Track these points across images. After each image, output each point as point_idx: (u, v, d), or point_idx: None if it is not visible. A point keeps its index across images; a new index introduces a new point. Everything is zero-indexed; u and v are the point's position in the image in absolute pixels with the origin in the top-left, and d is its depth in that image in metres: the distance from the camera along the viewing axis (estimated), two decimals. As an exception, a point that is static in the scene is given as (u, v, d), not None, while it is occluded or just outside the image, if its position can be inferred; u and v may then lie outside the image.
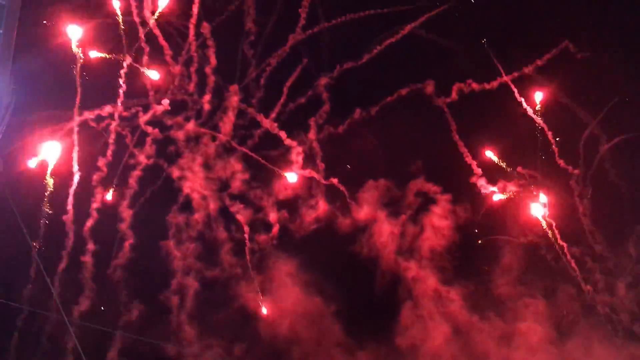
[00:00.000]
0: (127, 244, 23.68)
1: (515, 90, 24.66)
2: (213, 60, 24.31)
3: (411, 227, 24.87)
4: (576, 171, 25.15)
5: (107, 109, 23.74)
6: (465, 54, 24.70)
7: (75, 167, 23.30)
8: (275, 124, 24.38)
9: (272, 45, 24.64)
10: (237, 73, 24.70)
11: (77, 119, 23.30)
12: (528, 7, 24.43)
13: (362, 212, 24.69)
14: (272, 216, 24.43)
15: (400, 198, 24.93)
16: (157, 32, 24.02)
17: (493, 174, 25.00)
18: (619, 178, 25.12)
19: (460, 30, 24.65)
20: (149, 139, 24.06)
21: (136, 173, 23.97)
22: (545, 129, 25.06)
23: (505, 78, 24.58)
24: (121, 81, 23.50)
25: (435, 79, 24.83)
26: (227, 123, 24.34)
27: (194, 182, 24.08)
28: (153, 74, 23.88)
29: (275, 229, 24.49)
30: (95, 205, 23.54)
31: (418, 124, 24.53)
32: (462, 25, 24.77)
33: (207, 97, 24.40)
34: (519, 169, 25.22)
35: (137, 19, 23.71)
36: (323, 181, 24.59)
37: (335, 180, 24.59)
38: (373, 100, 24.91)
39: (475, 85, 24.80)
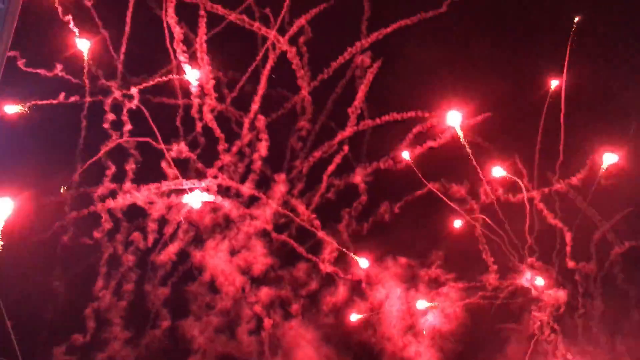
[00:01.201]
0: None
1: (544, 208, 26.37)
2: (264, 151, 25.82)
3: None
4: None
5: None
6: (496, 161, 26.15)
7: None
8: (314, 215, 26.14)
9: (319, 139, 26.08)
10: (285, 164, 26.23)
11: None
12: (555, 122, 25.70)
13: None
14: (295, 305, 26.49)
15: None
16: (214, 125, 25.36)
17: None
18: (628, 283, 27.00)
19: (492, 138, 25.98)
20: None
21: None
22: (564, 230, 26.97)
23: (534, 194, 26.17)
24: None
25: (463, 181, 26.57)
26: (269, 210, 26.07)
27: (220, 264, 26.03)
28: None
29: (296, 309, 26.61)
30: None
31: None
32: (494, 133, 26.05)
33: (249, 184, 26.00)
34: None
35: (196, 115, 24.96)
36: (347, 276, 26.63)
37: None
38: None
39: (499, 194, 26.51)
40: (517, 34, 25.09)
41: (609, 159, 25.39)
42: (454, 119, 24.57)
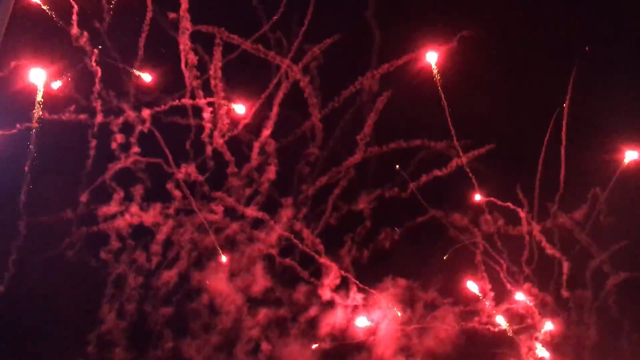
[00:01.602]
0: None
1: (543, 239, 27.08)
2: (272, 175, 26.22)
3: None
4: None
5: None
6: (498, 195, 26.78)
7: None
8: (318, 240, 26.58)
9: (327, 165, 26.55)
10: (293, 188, 26.65)
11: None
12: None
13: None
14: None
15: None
16: (224, 149, 25.72)
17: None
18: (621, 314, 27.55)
19: (496, 173, 26.62)
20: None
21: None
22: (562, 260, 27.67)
23: (535, 229, 26.90)
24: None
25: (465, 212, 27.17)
26: (273, 234, 26.43)
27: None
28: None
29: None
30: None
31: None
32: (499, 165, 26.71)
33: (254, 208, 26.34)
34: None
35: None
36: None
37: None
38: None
39: (501, 223, 27.16)
40: (525, 66, 25.63)
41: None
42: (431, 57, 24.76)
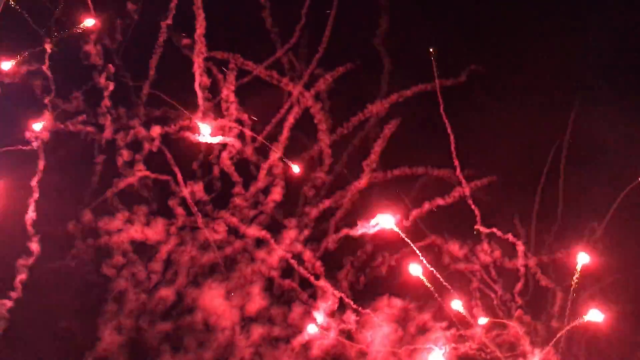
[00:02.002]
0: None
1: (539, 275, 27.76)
2: (278, 197, 26.65)
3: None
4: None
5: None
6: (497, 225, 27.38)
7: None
8: (319, 263, 26.90)
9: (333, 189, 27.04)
10: (297, 210, 27.03)
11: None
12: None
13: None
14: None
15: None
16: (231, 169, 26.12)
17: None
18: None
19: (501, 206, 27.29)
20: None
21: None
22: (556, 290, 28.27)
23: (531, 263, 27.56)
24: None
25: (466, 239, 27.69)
26: (274, 255, 26.73)
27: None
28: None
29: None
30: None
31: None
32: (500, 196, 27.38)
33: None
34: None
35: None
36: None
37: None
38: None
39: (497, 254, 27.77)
40: (528, 100, 26.43)
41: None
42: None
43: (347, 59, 26.20)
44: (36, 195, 24.61)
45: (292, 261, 26.41)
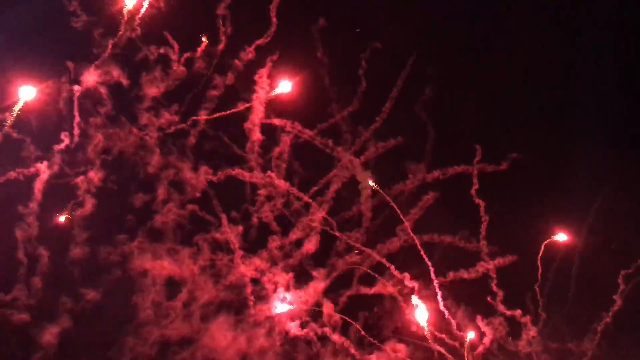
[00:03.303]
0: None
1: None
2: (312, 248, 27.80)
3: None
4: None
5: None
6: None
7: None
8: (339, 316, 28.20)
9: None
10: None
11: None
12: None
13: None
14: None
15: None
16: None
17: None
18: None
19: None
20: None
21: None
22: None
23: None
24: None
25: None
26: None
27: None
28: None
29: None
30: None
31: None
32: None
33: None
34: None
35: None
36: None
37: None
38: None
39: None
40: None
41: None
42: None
43: (398, 129, 27.00)
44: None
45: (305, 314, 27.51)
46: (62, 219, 25.26)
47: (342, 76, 27.00)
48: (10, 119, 24.43)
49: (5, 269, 24.61)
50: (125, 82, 25.77)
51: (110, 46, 25.35)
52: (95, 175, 25.56)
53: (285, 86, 25.72)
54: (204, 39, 25.10)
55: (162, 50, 25.57)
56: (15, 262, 24.59)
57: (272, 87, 25.60)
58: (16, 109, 24.25)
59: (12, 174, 24.95)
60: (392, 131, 27.04)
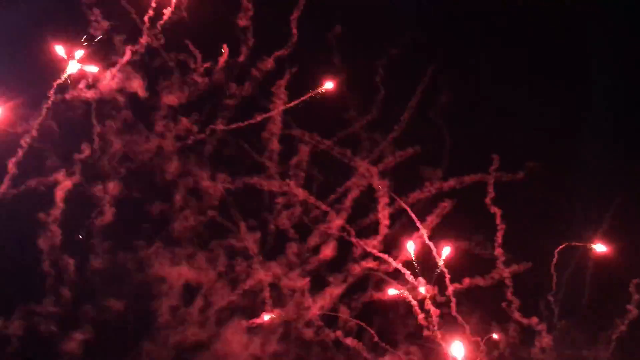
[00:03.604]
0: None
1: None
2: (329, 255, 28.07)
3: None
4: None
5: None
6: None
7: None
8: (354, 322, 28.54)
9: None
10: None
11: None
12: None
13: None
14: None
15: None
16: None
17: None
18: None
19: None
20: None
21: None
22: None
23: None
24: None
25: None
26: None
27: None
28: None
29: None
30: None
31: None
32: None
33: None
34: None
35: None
36: None
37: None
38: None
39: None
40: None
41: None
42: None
43: (415, 138, 27.12)
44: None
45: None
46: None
47: (360, 84, 26.94)
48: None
49: (30, 279, 24.77)
50: (143, 89, 25.67)
51: (129, 53, 25.29)
52: (114, 183, 25.57)
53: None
54: (224, 49, 25.02)
55: (182, 58, 25.48)
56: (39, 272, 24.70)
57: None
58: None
59: (31, 183, 25.01)
60: (409, 139, 27.05)
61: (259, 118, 25.75)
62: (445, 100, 27.78)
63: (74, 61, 24.60)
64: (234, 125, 26.00)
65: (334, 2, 26.20)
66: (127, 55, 25.34)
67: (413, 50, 27.28)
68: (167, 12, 24.53)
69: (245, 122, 25.77)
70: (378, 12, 26.96)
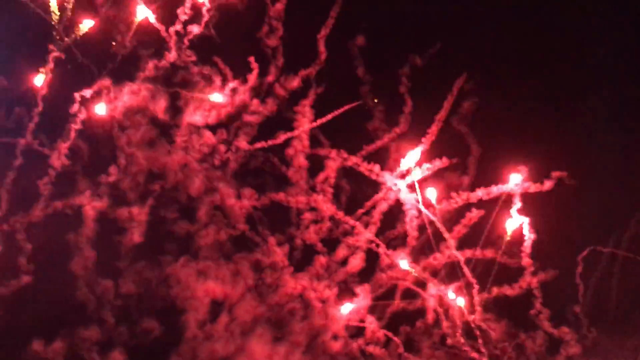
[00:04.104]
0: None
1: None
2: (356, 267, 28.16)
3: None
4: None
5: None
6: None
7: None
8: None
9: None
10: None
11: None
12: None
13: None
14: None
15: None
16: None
17: None
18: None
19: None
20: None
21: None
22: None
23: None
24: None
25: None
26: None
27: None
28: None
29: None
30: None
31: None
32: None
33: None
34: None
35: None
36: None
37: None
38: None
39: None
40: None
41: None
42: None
43: (443, 150, 27.03)
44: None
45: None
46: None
47: (386, 97, 26.81)
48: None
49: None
50: (168, 107, 25.56)
51: (153, 68, 25.12)
52: (140, 204, 25.54)
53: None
54: (252, 65, 24.85)
55: (208, 74, 25.31)
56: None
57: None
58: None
59: (58, 205, 24.98)
60: (437, 152, 26.92)
61: (283, 137, 25.53)
62: (471, 110, 27.54)
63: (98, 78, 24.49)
64: (259, 145, 25.82)
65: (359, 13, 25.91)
66: (152, 71, 25.13)
67: (439, 60, 26.97)
68: (195, 28, 24.27)
69: (269, 142, 25.64)
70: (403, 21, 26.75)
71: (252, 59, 24.90)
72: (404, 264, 27.55)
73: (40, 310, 24.31)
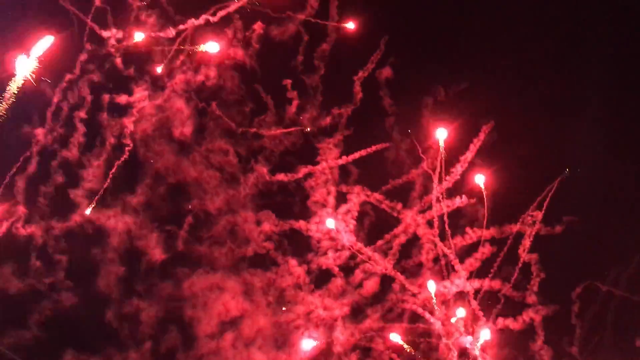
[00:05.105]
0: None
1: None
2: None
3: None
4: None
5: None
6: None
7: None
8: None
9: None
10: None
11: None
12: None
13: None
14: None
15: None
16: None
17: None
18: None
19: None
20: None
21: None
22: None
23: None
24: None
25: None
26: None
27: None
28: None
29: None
30: None
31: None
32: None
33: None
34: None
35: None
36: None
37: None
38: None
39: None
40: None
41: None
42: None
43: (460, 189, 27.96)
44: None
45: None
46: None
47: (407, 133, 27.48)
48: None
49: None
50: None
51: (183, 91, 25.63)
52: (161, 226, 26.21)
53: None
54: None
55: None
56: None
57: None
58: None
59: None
60: (455, 191, 27.77)
61: (304, 171, 26.48)
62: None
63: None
64: (280, 177, 26.60)
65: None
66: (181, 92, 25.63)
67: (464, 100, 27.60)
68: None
69: (293, 177, 26.40)
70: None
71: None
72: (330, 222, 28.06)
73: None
